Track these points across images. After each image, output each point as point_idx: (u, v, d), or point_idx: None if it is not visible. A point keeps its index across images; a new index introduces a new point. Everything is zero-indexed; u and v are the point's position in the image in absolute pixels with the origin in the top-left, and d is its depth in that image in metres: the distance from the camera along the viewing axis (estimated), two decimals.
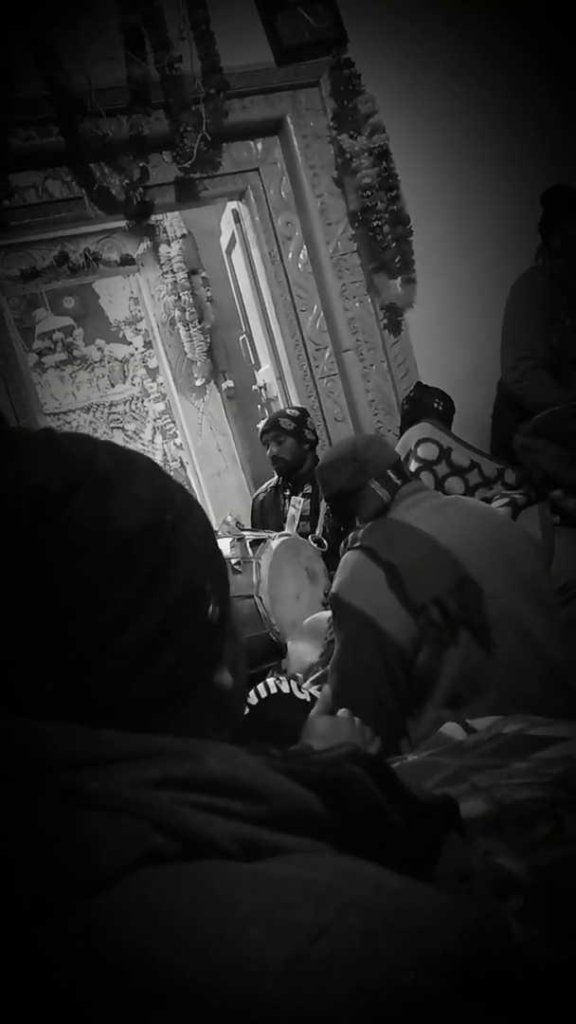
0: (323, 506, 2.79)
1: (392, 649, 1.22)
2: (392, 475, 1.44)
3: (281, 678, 1.58)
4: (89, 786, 0.33)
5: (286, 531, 2.65)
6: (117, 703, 0.40)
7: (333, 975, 0.28)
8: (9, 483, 0.39)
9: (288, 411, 2.95)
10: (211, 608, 0.46)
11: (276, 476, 3.06)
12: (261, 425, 2.98)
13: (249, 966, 0.28)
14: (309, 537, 2.70)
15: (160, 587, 0.42)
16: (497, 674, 1.22)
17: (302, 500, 2.86)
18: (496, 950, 0.32)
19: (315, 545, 2.54)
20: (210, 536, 0.48)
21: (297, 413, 2.94)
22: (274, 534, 2.33)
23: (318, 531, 2.78)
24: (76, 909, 0.30)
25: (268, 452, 2.94)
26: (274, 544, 2.20)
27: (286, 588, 2.11)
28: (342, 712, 1.15)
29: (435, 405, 2.57)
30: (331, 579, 2.28)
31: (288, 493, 2.96)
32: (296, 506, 2.83)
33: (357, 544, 1.33)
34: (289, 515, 2.84)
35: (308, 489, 2.88)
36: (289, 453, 2.88)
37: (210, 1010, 0.27)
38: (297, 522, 2.81)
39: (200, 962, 0.28)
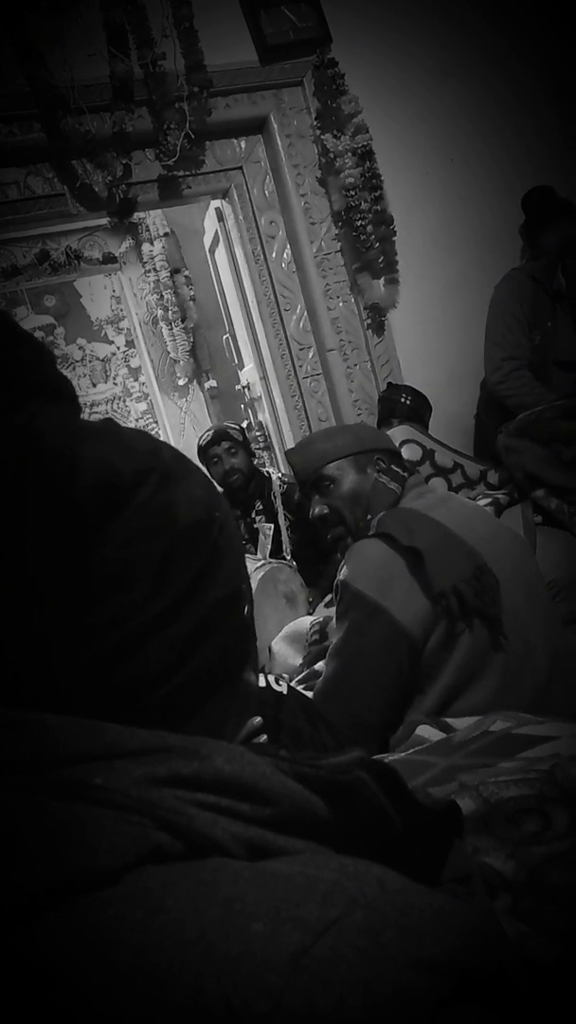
0: (282, 519, 2.74)
1: (401, 638, 1.21)
2: (397, 468, 1.45)
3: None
4: (95, 781, 0.33)
5: (258, 557, 2.56)
6: (155, 694, 0.40)
7: (337, 971, 0.28)
8: (84, 462, 0.38)
9: (228, 423, 2.85)
10: (246, 608, 0.47)
11: (223, 494, 2.82)
12: (206, 439, 2.78)
13: (253, 960, 0.28)
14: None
15: (207, 583, 0.43)
16: (497, 667, 1.23)
17: (261, 517, 2.76)
18: (495, 952, 0.33)
19: (288, 559, 2.50)
20: (241, 541, 0.49)
21: (238, 425, 2.85)
22: (250, 566, 2.22)
23: (286, 547, 2.72)
24: (74, 905, 0.30)
25: (219, 468, 2.73)
26: (252, 586, 2.10)
27: (268, 628, 2.02)
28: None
29: (402, 400, 2.58)
30: (307, 591, 2.27)
31: (239, 513, 2.81)
32: (267, 534, 2.73)
33: (373, 532, 1.32)
34: (260, 543, 2.74)
35: (259, 505, 2.79)
36: (245, 465, 2.75)
37: (211, 1004, 0.27)
38: (270, 544, 2.73)
39: (202, 955, 0.28)
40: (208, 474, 2.54)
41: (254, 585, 2.10)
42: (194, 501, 0.43)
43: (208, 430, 2.89)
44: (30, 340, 0.43)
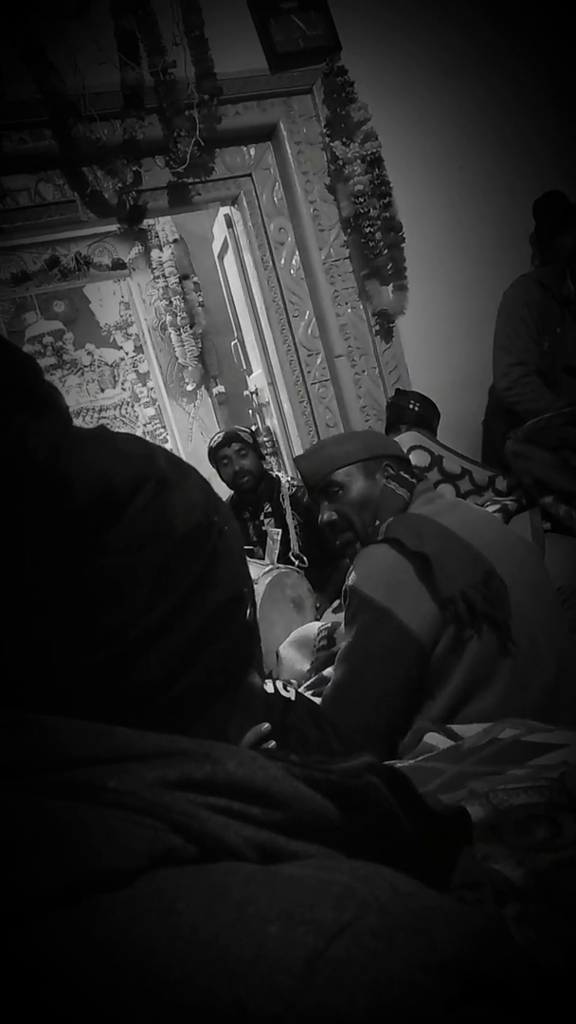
0: (291, 520, 2.74)
1: (409, 643, 1.21)
2: (406, 474, 1.45)
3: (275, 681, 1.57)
4: (109, 784, 0.33)
5: (265, 561, 2.57)
6: (157, 701, 0.40)
7: (349, 973, 0.28)
8: (78, 474, 0.38)
9: (238, 427, 2.87)
10: (248, 612, 0.47)
11: (232, 497, 2.87)
12: (216, 441, 2.82)
13: (266, 962, 0.28)
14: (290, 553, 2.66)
15: (207, 588, 0.42)
16: (505, 673, 1.22)
17: (270, 520, 2.78)
18: (502, 954, 0.33)
19: (296, 563, 2.49)
20: (243, 544, 0.49)
21: (248, 429, 2.87)
22: (255, 571, 2.18)
23: (294, 547, 2.73)
24: (81, 906, 0.30)
25: (229, 470, 2.77)
26: (259, 591, 2.08)
27: (276, 633, 2.01)
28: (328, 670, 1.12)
29: (410, 406, 2.58)
30: (314, 596, 2.27)
31: (247, 516, 2.83)
32: (275, 538, 2.74)
33: (381, 538, 1.32)
34: (268, 547, 2.76)
35: (268, 508, 2.80)
36: (254, 467, 2.78)
37: (223, 1006, 0.27)
38: (278, 548, 2.74)
39: (215, 958, 0.28)
40: (219, 476, 2.53)
41: (261, 590, 2.10)
42: (192, 506, 0.43)
43: (219, 432, 2.92)
44: (16, 350, 0.43)
